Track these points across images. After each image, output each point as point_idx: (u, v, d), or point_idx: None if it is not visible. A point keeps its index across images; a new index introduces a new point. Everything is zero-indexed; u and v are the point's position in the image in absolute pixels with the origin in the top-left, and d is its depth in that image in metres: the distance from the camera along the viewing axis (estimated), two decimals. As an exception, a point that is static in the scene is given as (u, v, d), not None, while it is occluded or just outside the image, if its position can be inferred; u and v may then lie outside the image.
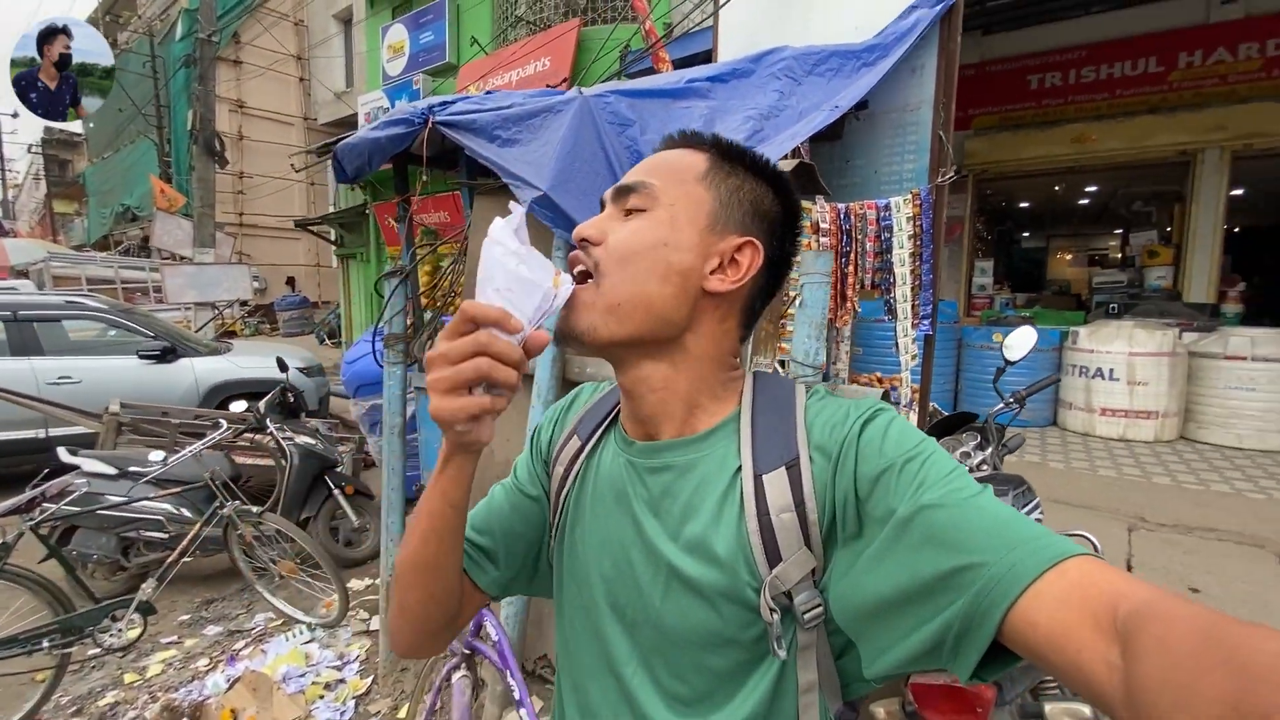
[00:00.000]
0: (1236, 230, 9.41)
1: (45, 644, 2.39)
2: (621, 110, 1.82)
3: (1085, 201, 10.79)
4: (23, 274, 11.30)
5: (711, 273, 0.62)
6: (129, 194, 14.06)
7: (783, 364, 1.64)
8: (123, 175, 14.67)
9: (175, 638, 3.06)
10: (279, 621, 3.19)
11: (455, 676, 1.81)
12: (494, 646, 1.78)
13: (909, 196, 2.56)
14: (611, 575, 0.66)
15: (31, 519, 2.42)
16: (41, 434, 4.74)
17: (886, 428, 0.56)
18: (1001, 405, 2.17)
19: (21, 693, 2.51)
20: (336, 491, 3.76)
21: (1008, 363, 2.18)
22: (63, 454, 3.03)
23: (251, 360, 5.80)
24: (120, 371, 5.07)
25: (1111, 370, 5.25)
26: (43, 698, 2.42)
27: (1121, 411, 5.24)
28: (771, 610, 0.56)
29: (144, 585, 2.69)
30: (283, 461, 3.59)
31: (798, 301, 1.44)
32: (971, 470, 2.25)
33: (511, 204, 0.54)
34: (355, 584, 3.55)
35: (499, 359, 0.50)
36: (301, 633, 3.04)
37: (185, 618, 3.25)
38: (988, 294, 8.25)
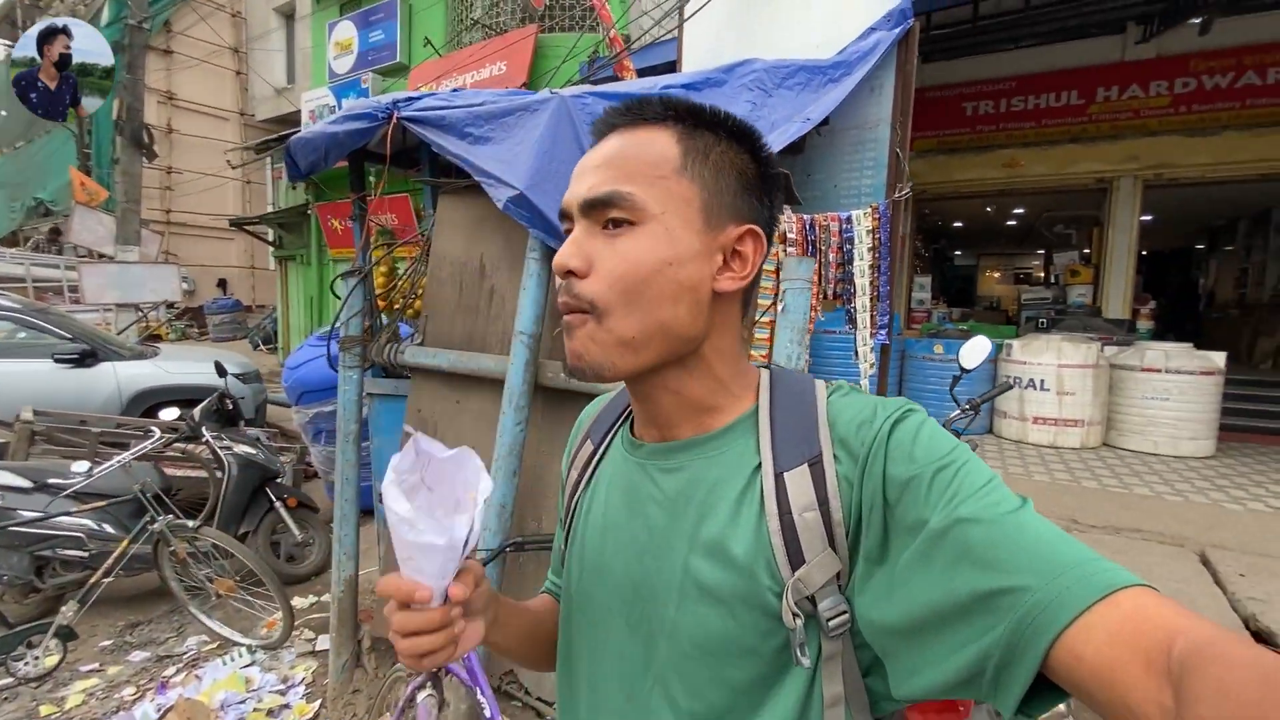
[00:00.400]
0: (1145, 253, 10.22)
1: (-53, 676, 2.16)
2: (599, 112, 1.81)
3: (1013, 223, 11.48)
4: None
5: (718, 272, 0.58)
6: (42, 187, 13.03)
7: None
8: (37, 167, 13.58)
9: (97, 665, 2.81)
10: (214, 645, 2.98)
11: (420, 696, 1.73)
12: (463, 663, 1.72)
13: (869, 210, 2.65)
14: (623, 583, 0.63)
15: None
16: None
17: (917, 430, 0.53)
18: (958, 412, 2.25)
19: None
20: (279, 504, 3.56)
21: (964, 371, 2.26)
22: (-33, 465, 2.76)
23: (180, 365, 5.44)
24: (33, 376, 4.66)
25: (1042, 381, 5.56)
26: (-58, 736, 2.18)
27: (1052, 420, 5.55)
28: (795, 615, 0.52)
29: (63, 608, 2.46)
30: (219, 473, 3.38)
31: (780, 307, 1.45)
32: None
33: (406, 429, 0.54)
34: (299, 602, 3.36)
35: (421, 631, 0.53)
36: (240, 655, 2.85)
37: (107, 643, 2.99)
38: (926, 308, 8.64)
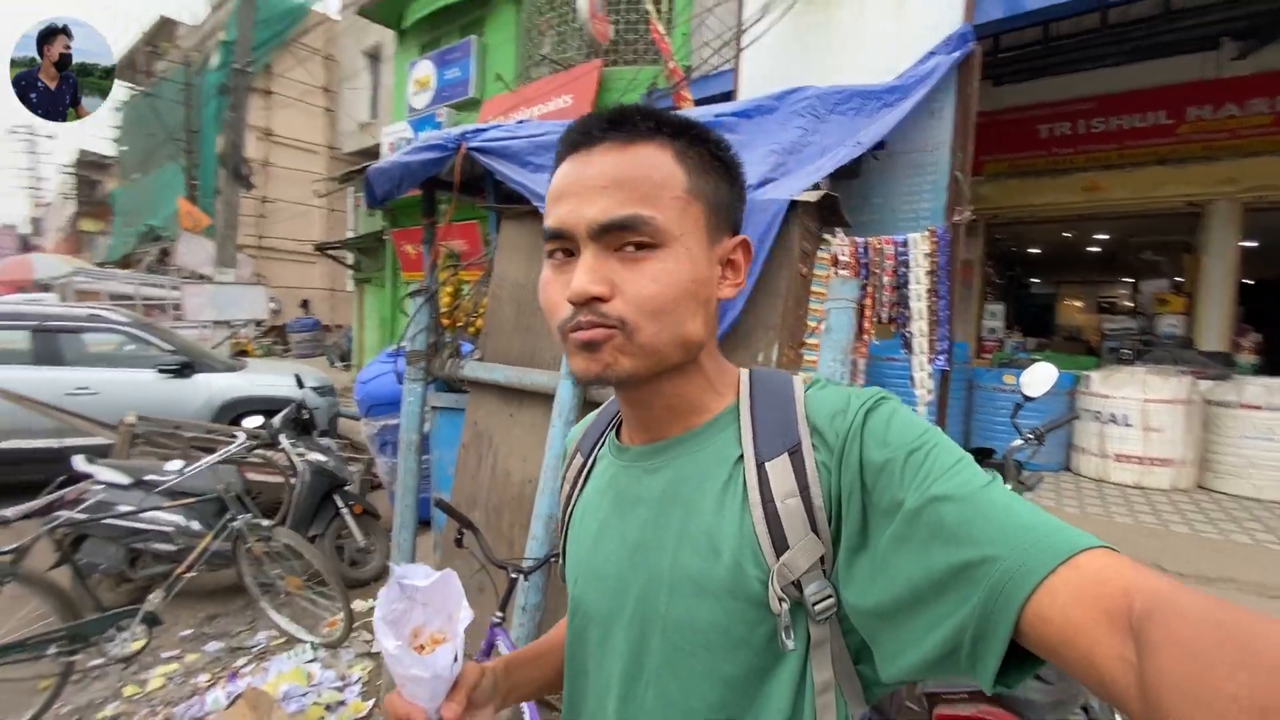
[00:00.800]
0: (1248, 281, 9.44)
1: (51, 650, 2.37)
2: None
3: (1095, 249, 10.87)
4: (45, 288, 11.53)
5: (719, 281, 0.61)
6: (154, 215, 14.42)
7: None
8: (150, 197, 15.06)
9: (176, 652, 3.02)
10: (281, 640, 3.15)
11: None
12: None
13: (926, 234, 2.60)
14: (616, 586, 0.64)
15: (48, 523, 2.42)
16: (54, 444, 4.78)
17: (890, 417, 0.54)
18: (1020, 442, 2.16)
19: (23, 701, 2.48)
20: (345, 510, 3.75)
21: (1026, 398, 2.17)
22: (78, 462, 3.05)
23: (265, 378, 5.86)
24: (137, 385, 5.13)
25: (1125, 416, 5.21)
26: (44, 706, 2.39)
27: (1136, 458, 5.18)
28: (780, 600, 0.54)
29: (151, 596, 2.67)
30: (292, 479, 3.60)
31: (824, 326, 1.46)
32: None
33: (389, 564, 0.67)
34: (358, 604, 3.51)
35: None
36: (304, 651, 3.00)
37: (187, 633, 3.22)
38: (998, 337, 8.26)
